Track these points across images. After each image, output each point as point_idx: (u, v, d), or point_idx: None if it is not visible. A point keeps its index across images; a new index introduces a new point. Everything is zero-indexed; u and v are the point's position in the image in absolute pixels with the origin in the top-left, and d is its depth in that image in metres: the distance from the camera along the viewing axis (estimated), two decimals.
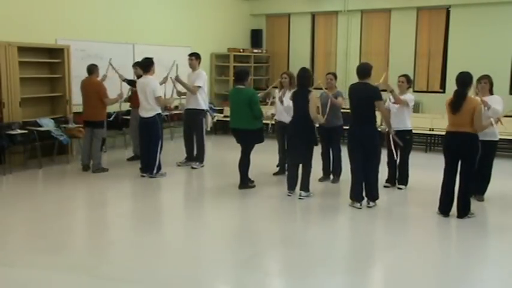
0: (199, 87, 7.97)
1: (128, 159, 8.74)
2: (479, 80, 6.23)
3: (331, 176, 7.37)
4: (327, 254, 4.77)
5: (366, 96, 5.97)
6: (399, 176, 6.96)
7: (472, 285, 4.27)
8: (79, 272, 4.28)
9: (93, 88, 7.77)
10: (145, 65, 7.48)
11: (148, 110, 7.38)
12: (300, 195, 6.45)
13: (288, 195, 6.52)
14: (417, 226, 5.72)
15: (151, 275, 4.21)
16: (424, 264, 4.59)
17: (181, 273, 4.33)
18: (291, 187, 6.55)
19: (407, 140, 6.84)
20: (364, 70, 6.08)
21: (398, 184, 6.96)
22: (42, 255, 4.62)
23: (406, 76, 6.98)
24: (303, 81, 6.42)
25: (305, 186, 6.48)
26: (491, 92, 6.26)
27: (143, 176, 7.49)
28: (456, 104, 5.55)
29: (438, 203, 5.81)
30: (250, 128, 6.73)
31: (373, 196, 6.10)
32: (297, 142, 6.41)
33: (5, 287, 4.04)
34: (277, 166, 7.75)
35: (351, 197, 6.13)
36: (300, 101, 6.35)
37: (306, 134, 6.34)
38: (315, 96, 6.38)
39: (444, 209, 5.74)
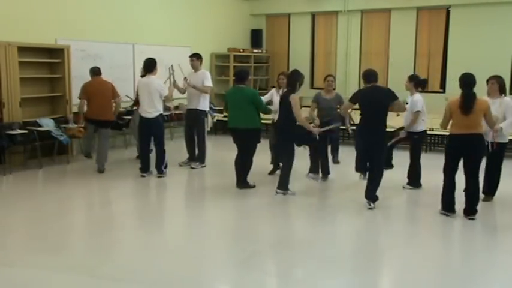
0: (210, 87, 8.11)
1: (137, 157, 8.64)
2: (487, 80, 6.22)
3: (327, 176, 7.40)
4: (327, 254, 4.76)
5: (377, 100, 5.98)
6: (410, 177, 6.97)
7: (475, 286, 4.27)
8: (79, 272, 4.28)
9: (106, 87, 7.83)
10: (150, 65, 7.51)
11: (153, 110, 7.40)
12: (276, 192, 6.54)
13: (283, 194, 6.57)
14: (418, 226, 5.72)
15: (152, 275, 4.21)
16: (426, 264, 4.59)
17: (181, 273, 4.33)
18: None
19: (415, 140, 6.84)
20: (371, 74, 6.08)
21: (407, 184, 6.97)
22: (42, 255, 4.62)
23: (409, 77, 7.02)
24: (290, 82, 6.46)
25: (281, 184, 6.55)
26: (501, 93, 6.18)
27: (143, 176, 7.49)
28: (468, 105, 5.51)
29: (441, 203, 5.78)
30: (250, 127, 6.74)
31: (374, 198, 6.07)
32: (279, 142, 6.57)
33: (5, 287, 4.04)
34: (271, 163, 7.77)
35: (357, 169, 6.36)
36: (284, 102, 6.43)
37: (286, 135, 6.39)
38: (295, 98, 6.34)
39: (451, 208, 5.72)
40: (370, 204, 6.03)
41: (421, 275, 4.36)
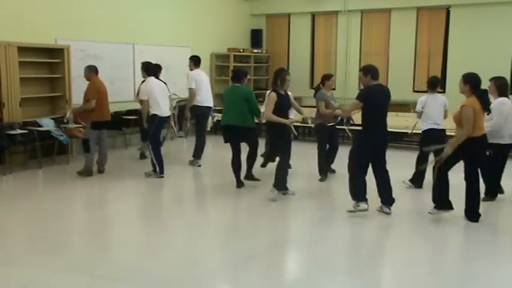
0: (191, 88, 8.24)
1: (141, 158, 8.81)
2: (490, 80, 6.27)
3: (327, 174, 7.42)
4: (326, 254, 4.77)
5: (385, 99, 5.80)
6: (414, 175, 7.02)
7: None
8: (79, 272, 4.28)
9: (105, 87, 7.75)
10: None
11: (168, 109, 7.61)
12: (275, 191, 6.47)
13: (283, 194, 6.55)
14: (419, 227, 5.69)
15: (151, 275, 4.21)
16: (427, 265, 4.59)
17: (181, 273, 4.33)
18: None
19: (420, 140, 6.93)
20: (377, 72, 5.76)
21: (409, 181, 7.04)
22: (42, 255, 4.62)
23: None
24: (273, 81, 6.47)
25: (275, 183, 6.44)
26: (500, 94, 6.16)
27: (162, 177, 7.51)
28: (489, 104, 5.49)
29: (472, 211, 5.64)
30: (246, 126, 6.70)
31: (393, 200, 5.95)
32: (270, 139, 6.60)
33: (5, 287, 4.04)
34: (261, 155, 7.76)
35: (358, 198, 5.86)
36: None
37: (270, 132, 6.43)
38: (271, 95, 6.32)
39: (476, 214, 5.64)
40: (389, 209, 5.87)
41: (420, 276, 4.36)
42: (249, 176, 7.04)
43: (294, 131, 6.75)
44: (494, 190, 6.40)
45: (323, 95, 7.14)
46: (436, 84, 7.04)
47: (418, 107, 6.90)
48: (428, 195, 6.45)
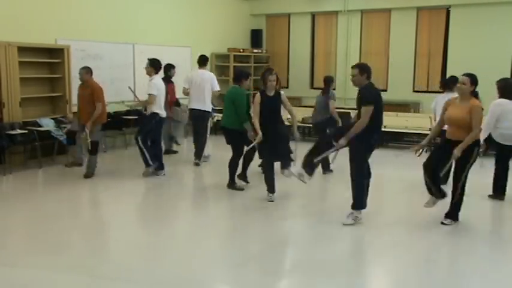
0: (184, 87, 8.44)
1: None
2: None
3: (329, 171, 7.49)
4: (326, 255, 4.76)
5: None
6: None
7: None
8: (79, 272, 4.28)
9: None
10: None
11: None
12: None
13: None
14: (418, 227, 5.69)
15: (151, 275, 4.21)
16: (423, 266, 4.59)
17: (181, 273, 4.33)
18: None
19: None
20: (371, 71, 5.56)
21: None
22: (42, 256, 4.62)
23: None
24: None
25: (287, 163, 6.43)
26: (502, 96, 6.22)
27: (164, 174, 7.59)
28: None
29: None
30: (234, 128, 6.62)
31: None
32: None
33: (5, 287, 4.04)
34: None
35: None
36: None
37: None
38: (255, 97, 6.30)
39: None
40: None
41: (420, 276, 4.36)
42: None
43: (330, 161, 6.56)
44: (502, 189, 6.40)
45: (334, 95, 7.48)
46: (447, 84, 7.09)
47: (431, 107, 7.23)
48: (424, 194, 6.46)
